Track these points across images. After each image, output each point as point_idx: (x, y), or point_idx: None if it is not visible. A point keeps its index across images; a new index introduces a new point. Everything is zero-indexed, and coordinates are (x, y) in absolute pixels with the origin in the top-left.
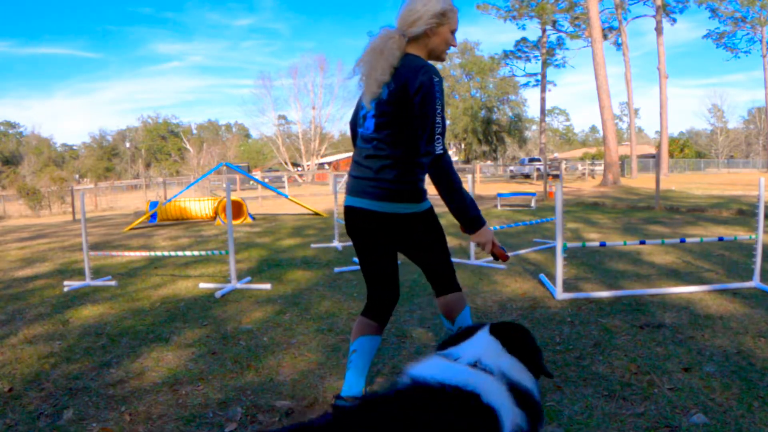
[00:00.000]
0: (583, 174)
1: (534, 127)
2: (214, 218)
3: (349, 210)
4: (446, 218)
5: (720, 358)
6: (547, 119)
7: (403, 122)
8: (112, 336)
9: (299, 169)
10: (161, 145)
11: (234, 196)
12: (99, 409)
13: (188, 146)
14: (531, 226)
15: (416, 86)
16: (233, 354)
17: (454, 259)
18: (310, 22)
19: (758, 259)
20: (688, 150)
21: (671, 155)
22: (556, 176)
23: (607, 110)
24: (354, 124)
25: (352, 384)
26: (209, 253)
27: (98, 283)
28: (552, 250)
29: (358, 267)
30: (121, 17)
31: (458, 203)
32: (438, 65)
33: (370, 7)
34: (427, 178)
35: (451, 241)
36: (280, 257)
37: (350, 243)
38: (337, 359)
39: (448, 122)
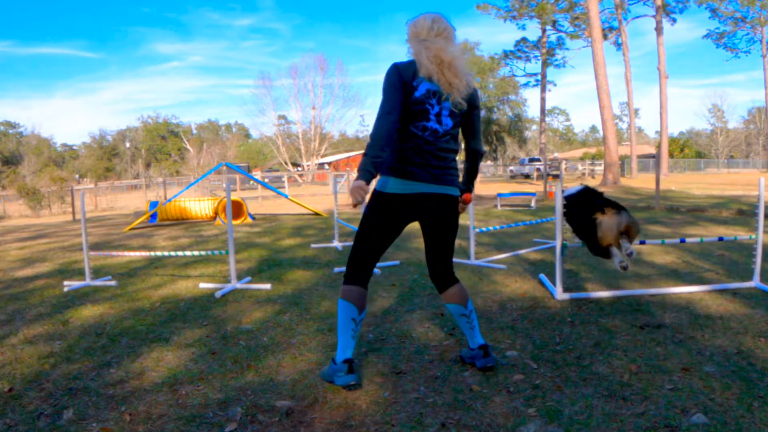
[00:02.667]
0: (583, 174)
1: (534, 127)
2: (214, 218)
3: (445, 197)
4: None
5: (720, 358)
6: (547, 119)
7: (465, 124)
8: (112, 336)
9: (299, 169)
10: (161, 145)
11: (234, 196)
12: (99, 409)
13: (188, 146)
14: (531, 226)
15: (477, 99)
16: (233, 354)
17: (454, 259)
18: (310, 22)
19: (758, 259)
20: (688, 150)
21: (671, 155)
22: (556, 176)
23: (607, 110)
24: (418, 113)
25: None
26: (209, 253)
27: (98, 283)
28: (552, 250)
29: None
30: (121, 17)
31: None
32: None
33: (370, 7)
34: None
35: None
36: (280, 257)
37: (350, 243)
38: None
39: None
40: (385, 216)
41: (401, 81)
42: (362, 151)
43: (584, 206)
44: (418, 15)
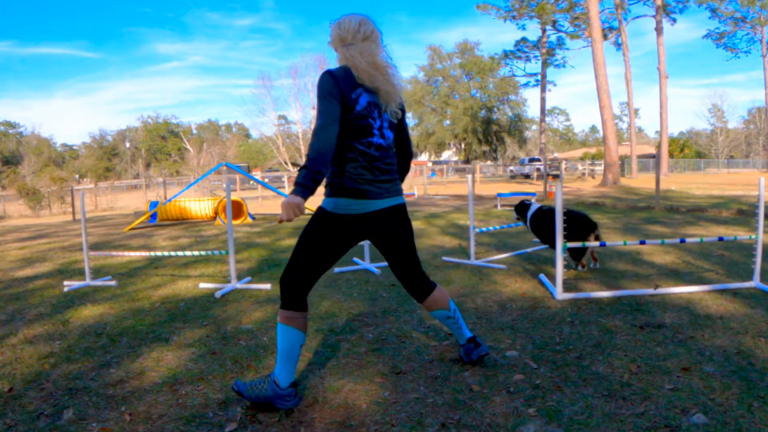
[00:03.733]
0: (583, 174)
1: (534, 127)
2: (214, 218)
3: (398, 208)
4: (445, 218)
5: (720, 358)
6: (547, 119)
7: (399, 132)
8: (112, 336)
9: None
10: (161, 145)
11: (234, 196)
12: (99, 409)
13: (188, 146)
14: None
15: (404, 105)
16: (233, 354)
17: (453, 259)
18: (310, 22)
19: (758, 259)
20: (688, 150)
21: (671, 155)
22: (556, 176)
23: (607, 110)
24: (362, 129)
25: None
26: (209, 253)
27: (98, 283)
28: (552, 250)
29: (358, 267)
30: (121, 17)
31: None
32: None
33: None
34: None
35: (451, 241)
36: (280, 257)
37: None
38: (337, 359)
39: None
40: (333, 237)
41: (339, 92)
42: None
43: (547, 220)
44: (342, 16)
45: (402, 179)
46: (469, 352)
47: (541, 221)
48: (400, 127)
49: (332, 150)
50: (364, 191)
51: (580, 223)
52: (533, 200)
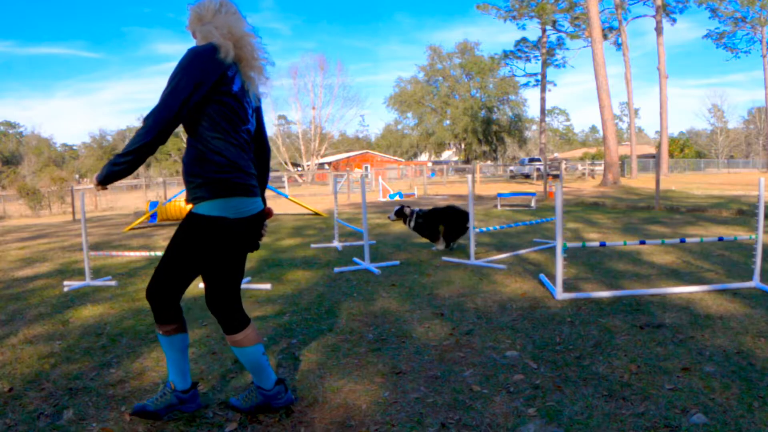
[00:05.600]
0: (583, 174)
1: (534, 127)
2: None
3: (261, 212)
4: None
5: (720, 358)
6: (547, 119)
7: (257, 118)
8: (112, 336)
9: (299, 169)
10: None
11: None
12: (99, 409)
13: None
14: (531, 226)
15: (259, 98)
16: (233, 354)
17: (453, 259)
18: (310, 22)
19: (758, 259)
20: (688, 150)
21: (671, 155)
22: (556, 176)
23: (607, 110)
24: (238, 113)
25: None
26: None
27: (98, 283)
28: (552, 250)
29: (358, 267)
30: (121, 17)
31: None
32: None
33: (370, 7)
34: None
35: None
36: (280, 257)
37: (350, 243)
38: (337, 359)
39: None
40: (227, 246)
41: (219, 69)
42: (362, 152)
43: (428, 220)
44: None
45: (264, 179)
46: (278, 395)
47: (423, 220)
48: (258, 114)
49: (168, 129)
50: (252, 188)
51: (454, 217)
52: (533, 200)
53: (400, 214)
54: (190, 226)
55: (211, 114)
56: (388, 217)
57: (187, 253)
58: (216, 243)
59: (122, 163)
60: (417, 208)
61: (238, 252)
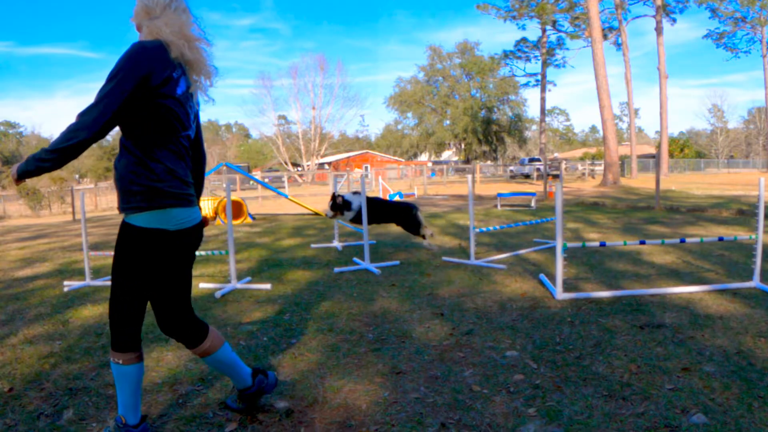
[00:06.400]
0: (583, 174)
1: (534, 127)
2: (214, 218)
3: (201, 222)
4: (445, 218)
5: (720, 358)
6: (547, 119)
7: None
8: None
9: (299, 169)
10: None
11: (234, 196)
12: (99, 409)
13: None
14: (531, 226)
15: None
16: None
17: (453, 259)
18: (310, 22)
19: (758, 259)
20: (688, 150)
21: (671, 155)
22: (556, 176)
23: (607, 110)
24: (180, 117)
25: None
26: (209, 253)
27: (98, 283)
28: (552, 250)
29: (358, 267)
30: (121, 17)
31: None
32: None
33: (370, 7)
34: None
35: (451, 241)
36: (280, 257)
37: (350, 243)
38: (337, 359)
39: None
40: (175, 259)
41: (165, 69)
42: (362, 152)
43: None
44: None
45: (199, 188)
46: (262, 384)
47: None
48: (197, 121)
49: (91, 137)
50: (191, 198)
51: (402, 211)
52: (533, 200)
53: (336, 206)
54: (127, 239)
55: (152, 117)
56: (326, 215)
57: (130, 269)
58: (156, 256)
59: (50, 159)
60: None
61: (180, 264)
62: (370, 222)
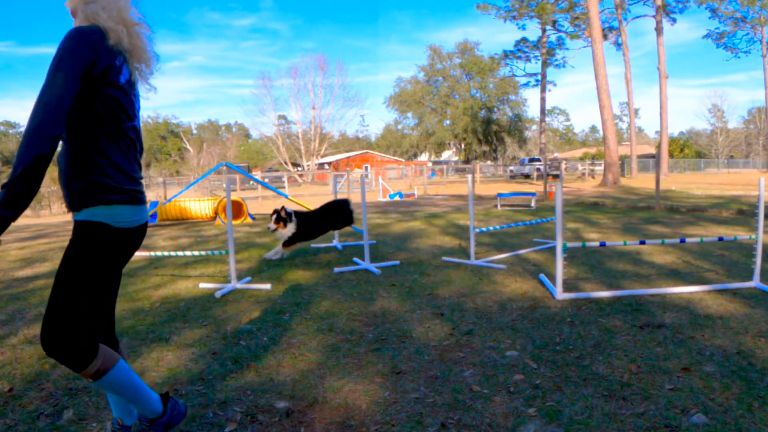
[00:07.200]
0: (583, 174)
1: (534, 127)
2: (214, 218)
3: (146, 224)
4: (445, 218)
5: (720, 358)
6: (547, 119)
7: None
8: None
9: (299, 169)
10: (161, 145)
11: (234, 196)
12: (99, 409)
13: (188, 146)
14: (531, 226)
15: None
16: (233, 354)
17: (453, 259)
18: (310, 22)
19: (758, 259)
20: (688, 150)
21: (671, 155)
22: (556, 176)
23: (607, 110)
24: (127, 108)
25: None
26: (209, 253)
27: None
28: (552, 250)
29: (358, 267)
30: None
31: None
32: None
33: (370, 7)
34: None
35: (451, 241)
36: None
37: (350, 243)
38: (337, 359)
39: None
40: (117, 261)
41: (108, 57)
42: (362, 152)
43: (307, 223)
44: None
45: None
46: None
47: (304, 224)
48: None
49: (57, 136)
50: (140, 195)
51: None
52: (533, 200)
53: (280, 218)
54: (78, 237)
55: (96, 109)
56: (268, 228)
57: (87, 268)
58: (98, 253)
59: (23, 182)
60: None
61: (118, 265)
62: (315, 234)
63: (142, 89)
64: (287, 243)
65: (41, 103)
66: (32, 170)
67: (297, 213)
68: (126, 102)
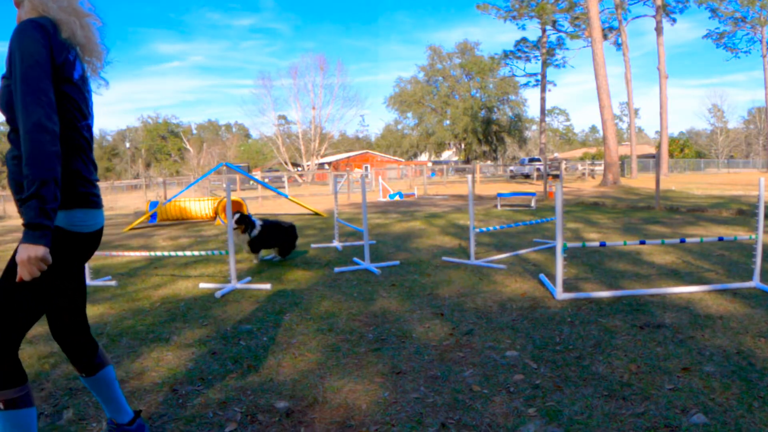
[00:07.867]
0: (583, 174)
1: (534, 127)
2: (214, 218)
3: (102, 229)
4: (445, 218)
5: (720, 358)
6: (547, 119)
7: None
8: (112, 336)
9: (299, 169)
10: (161, 145)
11: (234, 196)
12: (99, 409)
13: (188, 146)
14: (531, 226)
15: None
16: (233, 354)
17: (453, 259)
18: (310, 22)
19: (758, 259)
20: (688, 150)
21: (671, 155)
22: (556, 176)
23: (607, 110)
24: (81, 105)
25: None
26: (209, 253)
27: (98, 283)
28: (552, 250)
29: (358, 267)
30: (121, 17)
31: None
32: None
33: (370, 7)
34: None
35: (451, 241)
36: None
37: (350, 243)
38: (337, 359)
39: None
40: (71, 267)
41: (62, 51)
42: (362, 152)
43: (272, 232)
44: None
45: None
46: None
47: (267, 233)
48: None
49: (58, 158)
50: (96, 198)
51: (283, 231)
52: (533, 200)
53: (241, 221)
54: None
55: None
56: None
57: (44, 274)
58: (56, 259)
59: (51, 199)
60: (258, 220)
61: (76, 272)
62: (270, 244)
63: (93, 84)
64: (250, 249)
65: (31, 102)
66: (44, 195)
67: (266, 222)
68: (80, 99)
